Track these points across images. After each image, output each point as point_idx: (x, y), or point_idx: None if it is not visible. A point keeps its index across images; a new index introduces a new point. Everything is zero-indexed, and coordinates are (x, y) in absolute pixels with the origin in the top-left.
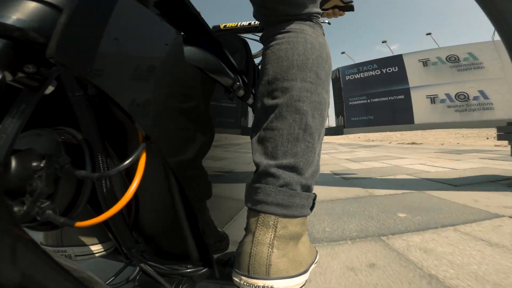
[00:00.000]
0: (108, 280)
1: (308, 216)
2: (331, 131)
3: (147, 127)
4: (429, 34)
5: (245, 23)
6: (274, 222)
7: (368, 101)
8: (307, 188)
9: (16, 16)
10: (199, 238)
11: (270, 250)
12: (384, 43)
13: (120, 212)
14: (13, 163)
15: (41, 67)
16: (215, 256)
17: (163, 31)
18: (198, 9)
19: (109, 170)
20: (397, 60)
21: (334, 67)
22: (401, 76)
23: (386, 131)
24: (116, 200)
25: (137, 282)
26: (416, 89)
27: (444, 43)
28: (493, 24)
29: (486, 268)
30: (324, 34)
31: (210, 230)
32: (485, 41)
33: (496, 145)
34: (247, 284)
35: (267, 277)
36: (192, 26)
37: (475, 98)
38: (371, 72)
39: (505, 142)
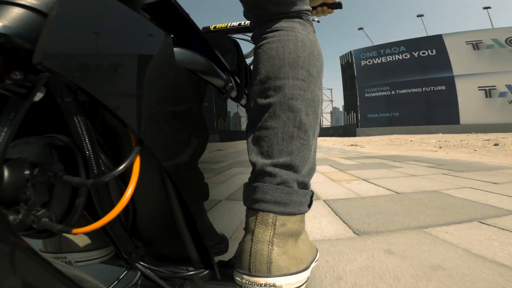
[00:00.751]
0: (110, 286)
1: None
2: (338, 131)
3: (140, 131)
4: (488, 8)
5: (235, 23)
6: (272, 220)
7: (392, 92)
8: (304, 185)
9: (0, 22)
10: (199, 240)
11: (270, 247)
12: (418, 18)
13: (118, 217)
14: (6, 172)
15: (28, 74)
16: (216, 258)
17: (152, 34)
18: (187, 11)
19: (103, 176)
20: (435, 42)
21: (346, 50)
22: (441, 61)
23: (416, 132)
24: (112, 205)
25: (139, 286)
26: (463, 78)
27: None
28: None
29: None
30: (314, 32)
31: (209, 232)
32: None
33: None
34: (249, 283)
35: (269, 274)
36: (182, 28)
37: None
38: (396, 56)
39: None
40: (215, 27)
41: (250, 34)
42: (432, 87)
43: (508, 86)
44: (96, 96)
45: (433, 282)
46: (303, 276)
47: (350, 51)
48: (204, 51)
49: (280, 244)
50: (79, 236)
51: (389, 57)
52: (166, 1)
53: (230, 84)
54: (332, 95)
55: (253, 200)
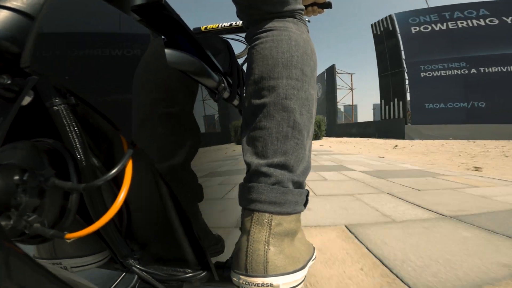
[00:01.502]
0: None
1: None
2: (368, 129)
3: (132, 134)
4: None
5: (227, 24)
6: (268, 220)
7: (472, 71)
8: (299, 185)
9: None
10: (195, 242)
11: (266, 247)
12: None
13: (112, 221)
14: None
15: (16, 77)
16: (213, 259)
17: (143, 36)
18: (177, 12)
19: (96, 180)
20: None
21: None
22: None
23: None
24: (106, 209)
25: None
26: None
27: None
28: None
29: None
30: (308, 31)
31: (205, 234)
32: None
33: None
34: (246, 283)
35: (265, 274)
36: (173, 29)
37: None
38: (474, 21)
39: None
40: (206, 28)
41: (242, 35)
42: None
43: None
44: (86, 99)
45: None
46: (300, 275)
47: (391, 15)
48: (196, 52)
49: (276, 244)
50: (74, 241)
51: (462, 23)
52: (156, 2)
53: (223, 84)
54: (352, 81)
55: (248, 200)
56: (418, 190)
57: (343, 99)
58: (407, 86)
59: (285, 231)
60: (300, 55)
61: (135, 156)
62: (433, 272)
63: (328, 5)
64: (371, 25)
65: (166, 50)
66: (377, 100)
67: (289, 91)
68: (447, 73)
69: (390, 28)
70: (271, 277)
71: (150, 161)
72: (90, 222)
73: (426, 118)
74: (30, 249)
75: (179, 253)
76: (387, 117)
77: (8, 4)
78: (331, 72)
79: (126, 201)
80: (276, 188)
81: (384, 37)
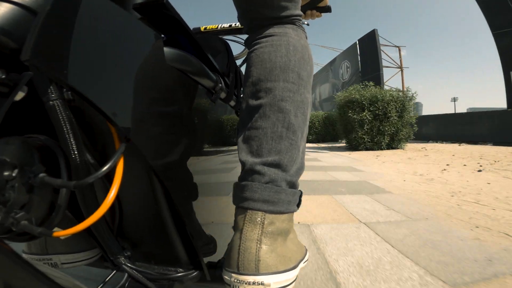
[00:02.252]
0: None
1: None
2: (470, 129)
3: (127, 130)
4: None
5: (226, 25)
6: (261, 219)
7: None
8: (292, 185)
9: None
10: (187, 241)
11: (258, 246)
12: None
13: (103, 218)
14: None
15: (11, 72)
16: (205, 259)
17: (143, 34)
18: (178, 12)
19: (87, 177)
20: None
21: None
22: None
23: None
24: (98, 206)
25: None
26: None
27: None
28: None
29: None
30: (306, 37)
31: (198, 233)
32: None
33: None
34: (237, 281)
35: (257, 272)
36: (173, 28)
37: None
38: None
39: None
40: (205, 28)
41: (241, 36)
42: None
43: None
44: (84, 93)
45: None
46: (291, 275)
47: None
48: (195, 51)
49: (269, 243)
50: (65, 237)
51: None
52: (157, 1)
53: (220, 85)
54: (401, 57)
55: (241, 198)
56: None
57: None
58: None
59: (278, 230)
60: (298, 60)
61: (130, 154)
62: None
63: (328, 9)
64: None
65: (165, 49)
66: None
67: (285, 93)
68: None
69: None
70: (263, 276)
71: (144, 159)
72: (82, 219)
73: None
74: (20, 244)
75: (171, 252)
76: None
77: None
78: (370, 41)
79: (118, 199)
80: (269, 187)
81: None
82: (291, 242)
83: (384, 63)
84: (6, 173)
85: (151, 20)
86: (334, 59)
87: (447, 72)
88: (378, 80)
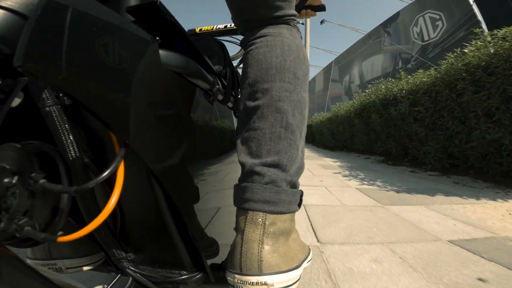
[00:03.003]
0: None
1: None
2: None
3: (126, 134)
4: None
5: (221, 26)
6: (262, 219)
7: None
8: (293, 185)
9: None
10: (190, 243)
11: (260, 246)
12: None
13: (105, 223)
14: None
15: (6, 79)
16: (208, 261)
17: (137, 37)
18: (173, 14)
19: (87, 182)
20: None
21: None
22: None
23: None
24: (99, 211)
25: None
26: None
27: None
28: None
29: None
30: (301, 37)
31: (200, 235)
32: None
33: None
34: (241, 282)
35: (260, 273)
36: (168, 30)
37: None
38: None
39: None
40: (201, 30)
41: (236, 37)
42: None
43: None
44: (80, 99)
45: None
46: (294, 274)
47: None
48: (190, 53)
49: (270, 243)
50: (69, 242)
51: None
52: (151, 3)
53: (217, 86)
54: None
55: (242, 200)
56: None
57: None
58: None
59: (279, 230)
60: (293, 60)
61: (129, 158)
62: None
63: (322, 8)
64: None
65: (161, 51)
66: None
67: (282, 93)
68: None
69: None
70: (266, 276)
71: (144, 162)
72: (84, 224)
73: None
74: (24, 250)
75: (174, 255)
76: None
77: (1, 4)
78: None
79: (120, 203)
80: (270, 188)
81: None
82: (294, 241)
83: None
84: (6, 180)
85: (145, 23)
86: (394, 16)
87: None
88: None
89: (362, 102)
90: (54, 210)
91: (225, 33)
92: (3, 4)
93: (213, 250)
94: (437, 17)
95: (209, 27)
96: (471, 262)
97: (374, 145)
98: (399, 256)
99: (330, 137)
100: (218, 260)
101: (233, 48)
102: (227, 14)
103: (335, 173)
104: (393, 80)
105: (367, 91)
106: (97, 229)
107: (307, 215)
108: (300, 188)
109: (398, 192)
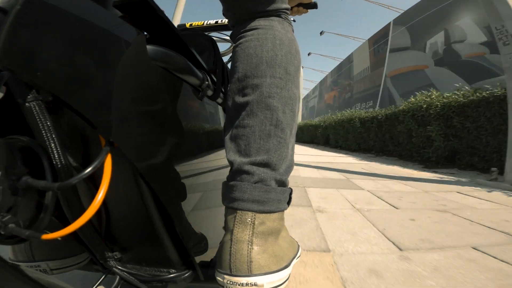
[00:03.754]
0: None
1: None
2: None
3: (109, 131)
4: None
5: (212, 21)
6: (251, 219)
7: None
8: (282, 183)
9: None
10: (178, 241)
11: (249, 247)
12: None
13: (90, 221)
14: None
15: None
16: (197, 258)
17: (124, 32)
18: (162, 8)
19: (71, 178)
20: None
21: None
22: None
23: None
24: (83, 209)
25: None
26: None
27: None
28: None
29: None
30: (293, 30)
31: (188, 233)
32: None
33: None
34: (231, 283)
35: (249, 274)
36: (156, 25)
37: None
38: None
39: None
40: (191, 25)
41: (227, 32)
42: None
43: None
44: (60, 96)
45: None
46: (284, 274)
47: None
48: (180, 49)
49: (260, 243)
50: (52, 243)
51: None
52: None
53: (206, 82)
54: None
55: (231, 198)
56: None
57: None
58: None
59: (269, 229)
60: (284, 54)
61: (115, 155)
62: None
63: (314, 6)
64: None
65: (148, 47)
66: None
67: (273, 89)
68: None
69: None
70: (255, 277)
71: (129, 160)
72: (68, 223)
73: None
74: (6, 253)
75: (162, 253)
76: None
77: None
78: None
79: (105, 201)
80: (259, 187)
81: None
82: (283, 240)
83: None
84: None
85: (133, 18)
86: None
87: None
88: None
89: None
90: (39, 208)
91: (216, 28)
92: None
93: (202, 247)
94: None
95: (199, 22)
96: None
97: None
98: None
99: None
100: (207, 256)
101: (224, 44)
102: (219, 9)
103: None
104: None
105: None
106: (82, 228)
107: None
108: None
109: None
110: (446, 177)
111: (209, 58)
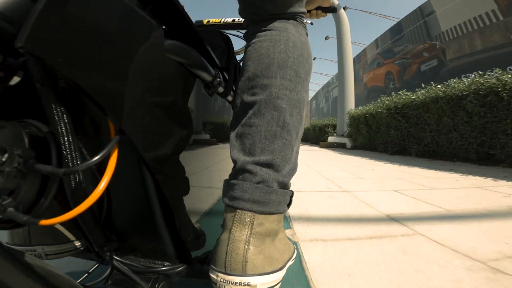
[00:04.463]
0: (79, 279)
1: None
2: None
3: (121, 121)
4: None
5: (229, 19)
6: (250, 219)
7: None
8: (284, 185)
9: None
10: (176, 235)
11: (246, 247)
12: None
13: (90, 209)
14: None
15: (8, 57)
16: (193, 253)
17: (143, 24)
18: (182, 3)
19: (78, 165)
20: None
21: None
22: None
23: None
24: (86, 197)
25: (111, 280)
26: None
27: None
28: None
29: None
30: (307, 34)
31: (187, 227)
32: None
33: None
34: (224, 281)
35: (244, 273)
36: (175, 20)
37: None
38: None
39: None
40: (208, 22)
41: (243, 31)
42: None
43: None
44: (78, 82)
45: None
46: (278, 276)
47: None
48: (195, 44)
49: (257, 244)
50: (50, 228)
51: None
52: None
53: (218, 79)
54: None
55: (231, 197)
56: None
57: None
58: None
59: (267, 231)
60: (296, 57)
61: (123, 145)
62: None
63: (333, 10)
64: None
65: (165, 40)
66: None
67: (282, 91)
68: None
69: None
70: (249, 277)
71: (137, 150)
72: (68, 208)
73: None
74: (3, 236)
75: (158, 245)
76: None
77: None
78: None
79: (108, 189)
80: (260, 187)
81: None
82: (280, 242)
83: None
84: None
85: (153, 11)
86: None
87: None
88: None
89: None
90: (39, 192)
91: (233, 27)
92: None
93: (199, 243)
94: None
95: (216, 20)
96: None
97: None
98: None
99: None
100: (203, 252)
101: (239, 43)
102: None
103: None
104: None
105: None
106: (82, 215)
107: None
108: None
109: None
110: None
111: (223, 55)
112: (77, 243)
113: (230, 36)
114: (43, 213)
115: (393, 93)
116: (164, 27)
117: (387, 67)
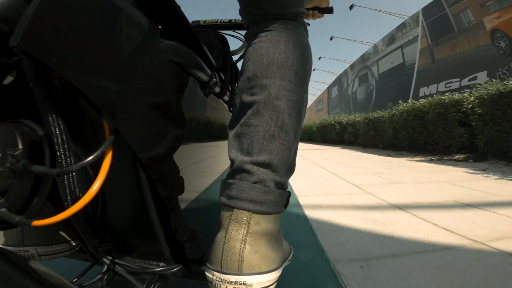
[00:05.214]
0: (73, 280)
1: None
2: None
3: (116, 120)
4: None
5: (226, 19)
6: (247, 218)
7: None
8: (281, 186)
9: None
10: (171, 235)
11: (242, 246)
12: None
13: (84, 209)
14: None
15: (1, 57)
16: (188, 254)
17: (139, 23)
18: (178, 3)
19: (71, 166)
20: None
21: None
22: None
23: None
24: (79, 197)
25: (105, 281)
26: None
27: None
28: None
29: None
30: (308, 35)
31: (182, 227)
32: None
33: None
34: (220, 280)
35: (240, 272)
36: (171, 20)
37: None
38: None
39: None
40: (205, 22)
41: (240, 31)
42: None
43: None
44: (72, 82)
45: None
46: (274, 276)
47: None
48: (191, 44)
49: (253, 243)
50: (43, 228)
51: None
52: None
53: (214, 79)
54: None
55: (228, 196)
56: None
57: None
58: None
59: (263, 230)
60: (296, 58)
61: (117, 145)
62: None
63: (330, 11)
64: None
65: (161, 40)
66: None
67: (281, 91)
68: None
69: None
70: (245, 276)
71: (132, 150)
72: (62, 209)
73: None
74: None
75: (154, 246)
76: None
77: None
78: None
79: (102, 190)
80: (257, 187)
81: None
82: (276, 242)
83: None
84: None
85: (149, 10)
86: None
87: None
88: None
89: None
90: (33, 193)
91: (230, 27)
92: None
93: (194, 243)
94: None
95: (213, 20)
96: None
97: None
98: None
99: None
100: (198, 252)
101: (235, 43)
102: (235, 8)
103: None
104: None
105: None
106: (76, 215)
107: None
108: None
109: None
110: None
111: (219, 55)
112: (72, 244)
113: (226, 36)
114: (36, 213)
115: None
116: (160, 27)
117: None
